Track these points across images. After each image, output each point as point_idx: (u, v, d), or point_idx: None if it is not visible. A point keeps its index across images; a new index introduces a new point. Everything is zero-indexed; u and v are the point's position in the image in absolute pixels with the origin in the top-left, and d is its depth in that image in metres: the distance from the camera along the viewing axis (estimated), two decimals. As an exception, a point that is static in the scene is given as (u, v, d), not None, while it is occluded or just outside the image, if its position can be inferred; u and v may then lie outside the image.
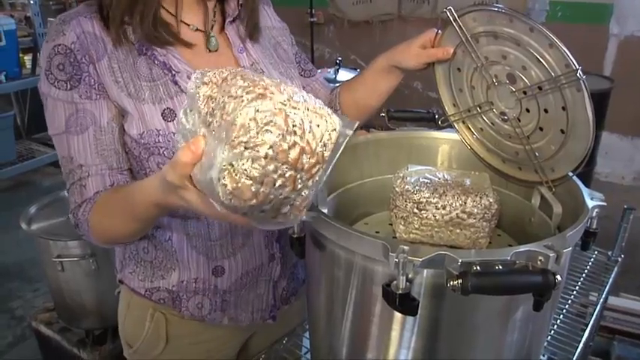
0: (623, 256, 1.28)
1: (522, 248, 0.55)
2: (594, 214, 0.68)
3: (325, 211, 0.75)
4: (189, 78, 0.76)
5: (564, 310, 1.09)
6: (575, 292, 1.15)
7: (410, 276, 0.57)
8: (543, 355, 1.09)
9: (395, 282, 0.56)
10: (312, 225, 0.67)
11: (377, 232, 0.88)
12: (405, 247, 0.54)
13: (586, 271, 1.23)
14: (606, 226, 1.32)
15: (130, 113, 0.78)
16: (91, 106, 0.78)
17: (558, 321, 1.06)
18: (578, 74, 0.67)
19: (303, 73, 1.03)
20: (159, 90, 0.78)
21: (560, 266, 0.59)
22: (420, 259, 0.53)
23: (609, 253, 1.29)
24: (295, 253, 0.72)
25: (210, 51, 0.85)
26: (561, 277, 0.68)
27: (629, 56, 3.47)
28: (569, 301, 1.12)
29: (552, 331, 1.04)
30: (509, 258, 0.54)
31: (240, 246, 0.88)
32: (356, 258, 0.63)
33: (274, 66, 0.92)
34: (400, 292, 0.55)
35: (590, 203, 0.68)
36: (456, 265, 0.52)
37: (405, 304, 0.55)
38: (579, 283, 1.18)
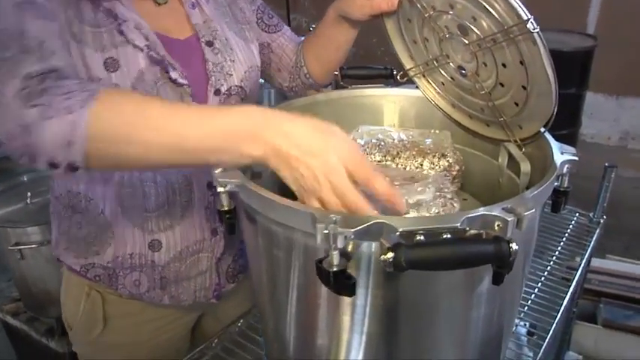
0: (605, 217, 1.21)
1: (475, 212, 0.46)
2: (565, 170, 0.59)
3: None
4: (137, 28, 0.71)
5: (543, 278, 1.02)
6: (555, 257, 1.08)
7: (349, 250, 0.48)
8: (524, 325, 1.04)
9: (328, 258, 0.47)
10: (240, 196, 0.58)
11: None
12: (335, 217, 0.46)
13: (566, 234, 1.16)
14: (590, 187, 1.26)
15: (72, 55, 0.68)
16: (51, 5, 0.65)
17: (536, 289, 1.00)
18: (529, 25, 0.58)
19: (267, 28, 0.95)
20: (102, 38, 0.71)
21: (522, 232, 0.51)
22: (352, 230, 0.45)
23: (591, 214, 1.22)
24: (225, 229, 0.64)
25: (158, 4, 0.79)
26: (527, 243, 0.61)
27: (613, 13, 3.36)
28: (549, 267, 1.05)
29: (530, 300, 0.97)
30: (459, 225, 0.45)
31: (179, 219, 0.81)
32: (292, 233, 0.54)
33: (229, 26, 0.85)
34: (334, 269, 0.47)
35: (559, 158, 0.59)
36: (395, 235, 0.44)
37: (340, 282, 0.47)
38: (559, 248, 1.11)
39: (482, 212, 0.46)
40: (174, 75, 0.74)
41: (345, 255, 0.48)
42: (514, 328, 0.95)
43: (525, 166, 0.65)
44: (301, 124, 0.52)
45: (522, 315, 0.98)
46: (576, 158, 0.60)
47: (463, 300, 0.59)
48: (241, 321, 0.91)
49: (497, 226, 0.46)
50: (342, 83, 0.86)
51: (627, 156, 3.42)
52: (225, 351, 0.87)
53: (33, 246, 1.66)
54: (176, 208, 0.80)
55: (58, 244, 0.88)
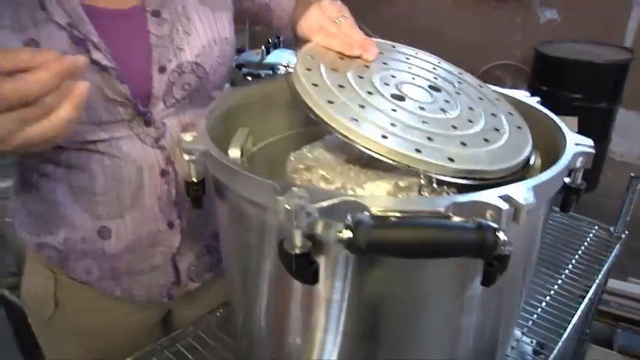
0: (627, 232, 1.11)
1: (464, 197, 0.39)
2: (578, 163, 0.52)
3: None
4: (58, 4, 0.61)
5: (552, 292, 0.94)
6: (567, 271, 1.00)
7: (319, 231, 0.41)
8: (531, 342, 0.96)
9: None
10: (207, 166, 0.52)
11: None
12: (299, 190, 0.39)
13: (582, 247, 1.07)
14: (616, 206, 1.17)
15: None
16: None
17: (544, 303, 0.91)
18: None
19: None
20: (22, 16, 0.62)
21: (522, 229, 0.44)
22: (316, 206, 0.38)
23: (611, 229, 1.12)
24: (191, 203, 0.57)
25: None
26: (529, 244, 0.53)
27: (653, 27, 3.22)
28: (560, 281, 0.97)
29: (536, 315, 0.89)
30: (442, 210, 0.38)
31: (129, 206, 0.74)
32: (260, 210, 0.48)
33: None
34: (296, 251, 0.40)
35: (572, 149, 0.51)
36: (365, 215, 0.37)
37: (302, 267, 0.40)
38: (573, 262, 1.02)
39: (472, 198, 0.39)
40: (96, 56, 0.63)
41: (311, 237, 0.41)
42: (515, 344, 0.88)
43: (536, 161, 0.58)
44: None
45: (526, 330, 0.90)
46: (592, 151, 0.52)
47: (452, 303, 0.52)
48: (220, 310, 0.85)
49: (490, 215, 0.39)
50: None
51: (657, 177, 3.27)
52: (199, 341, 0.81)
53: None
54: (124, 195, 0.73)
55: (16, 216, 0.83)
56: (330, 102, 0.52)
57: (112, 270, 0.79)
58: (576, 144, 0.53)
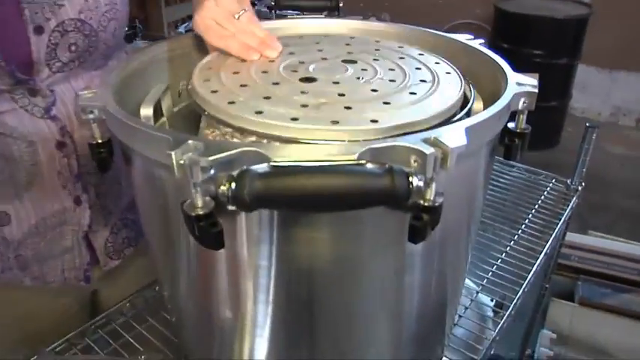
0: (584, 184, 1.09)
1: (382, 143, 0.34)
2: (521, 105, 0.47)
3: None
4: None
5: (508, 248, 0.91)
6: (523, 226, 0.97)
7: (224, 189, 0.36)
8: (491, 299, 0.93)
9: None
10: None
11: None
12: (194, 142, 0.33)
13: (539, 202, 1.04)
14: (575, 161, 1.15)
15: None
16: None
17: (499, 260, 0.89)
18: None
19: None
20: None
21: (459, 178, 0.39)
22: (210, 159, 0.32)
23: (568, 181, 1.10)
24: (97, 167, 0.51)
25: None
26: (468, 194, 0.49)
27: (611, -20, 3.21)
28: (516, 237, 0.94)
29: (491, 273, 0.87)
30: (355, 157, 0.33)
31: (26, 185, 0.67)
32: (163, 170, 0.42)
33: None
34: (196, 212, 0.34)
35: (513, 89, 0.47)
36: (265, 166, 0.32)
37: (203, 231, 0.35)
38: (529, 217, 1.00)
39: (391, 142, 0.34)
40: None
41: (216, 197, 0.36)
42: (472, 301, 0.85)
43: (476, 104, 0.53)
44: None
45: (483, 288, 0.87)
46: (535, 90, 0.47)
47: (392, 261, 0.48)
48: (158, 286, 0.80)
49: (415, 162, 0.34)
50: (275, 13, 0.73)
51: (617, 132, 3.31)
52: (136, 319, 0.76)
53: None
54: (19, 175, 0.66)
55: None
56: (232, 102, 0.47)
57: (17, 258, 0.71)
58: (518, 83, 0.48)
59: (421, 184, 0.32)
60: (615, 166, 2.92)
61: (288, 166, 0.31)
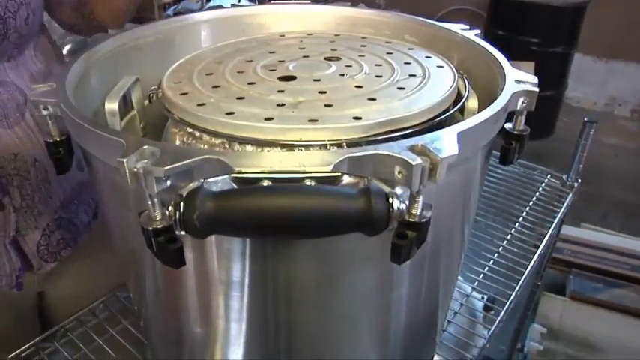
0: (580, 180, 1.06)
1: (362, 152, 0.30)
2: (519, 105, 0.43)
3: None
4: None
5: (501, 248, 0.88)
6: (517, 225, 0.94)
7: (172, 210, 0.31)
8: (482, 297, 0.90)
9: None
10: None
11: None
12: (151, 148, 0.29)
13: (534, 198, 1.01)
14: (572, 153, 1.11)
15: None
16: None
17: (491, 261, 0.85)
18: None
19: None
20: None
21: (449, 187, 0.35)
22: (166, 169, 0.28)
23: (564, 177, 1.07)
24: (56, 169, 0.47)
25: None
26: (464, 203, 0.45)
27: (609, -32, 3.16)
28: (509, 236, 0.91)
29: (483, 274, 0.83)
30: (330, 169, 0.28)
31: None
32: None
33: None
34: (155, 225, 0.30)
35: (512, 88, 0.43)
36: (228, 179, 0.27)
37: (162, 247, 0.30)
38: (524, 214, 0.96)
39: (372, 151, 0.30)
40: None
41: (178, 205, 0.32)
42: (465, 299, 0.81)
43: (472, 101, 0.49)
44: None
45: (477, 284, 0.84)
46: (535, 89, 0.43)
47: (376, 276, 0.44)
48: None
49: (399, 173, 0.30)
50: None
51: (612, 122, 3.28)
52: (109, 321, 0.72)
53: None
54: None
55: None
56: (201, 104, 0.42)
57: None
58: (517, 81, 0.44)
59: (403, 207, 0.28)
60: (609, 156, 2.90)
61: (246, 186, 0.27)
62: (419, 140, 0.31)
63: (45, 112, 0.43)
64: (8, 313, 0.77)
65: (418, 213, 0.31)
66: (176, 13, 2.21)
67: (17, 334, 0.75)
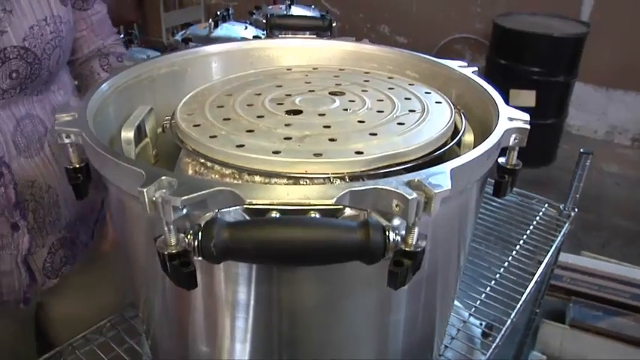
0: (577, 210, 1.08)
1: (362, 186, 0.33)
2: (512, 141, 0.46)
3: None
4: None
5: (498, 275, 0.90)
6: (514, 253, 0.96)
7: (190, 239, 0.34)
8: (480, 324, 0.92)
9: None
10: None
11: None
12: (169, 179, 0.32)
13: (531, 227, 1.03)
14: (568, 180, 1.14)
15: None
16: None
17: (488, 288, 0.87)
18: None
19: (75, 3, 0.77)
20: None
21: (445, 219, 0.38)
22: (182, 199, 0.31)
23: (561, 206, 1.09)
24: (75, 193, 0.49)
25: None
26: (459, 232, 0.47)
27: (609, 1, 3.22)
28: (506, 264, 0.93)
29: (479, 301, 0.85)
30: (333, 202, 0.31)
31: None
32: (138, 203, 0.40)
33: None
34: (169, 250, 0.33)
35: (504, 125, 0.45)
36: (239, 209, 0.30)
37: (176, 270, 0.33)
38: (521, 242, 0.98)
39: (372, 185, 0.32)
40: None
41: (191, 232, 0.34)
42: (462, 325, 0.83)
43: (468, 135, 0.52)
44: None
45: (474, 310, 0.86)
46: (527, 127, 0.46)
47: (376, 300, 0.46)
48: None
49: (397, 206, 0.33)
50: (270, 33, 0.72)
51: (612, 151, 3.31)
52: (115, 340, 0.74)
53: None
54: None
55: None
56: (213, 137, 0.46)
57: None
58: (510, 118, 0.47)
59: (399, 238, 0.30)
60: (610, 184, 2.92)
61: (257, 217, 0.30)
62: (415, 176, 0.34)
63: (67, 141, 0.46)
64: (8, 322, 0.80)
65: (413, 243, 0.33)
66: (184, 39, 2.26)
67: (17, 342, 0.80)
